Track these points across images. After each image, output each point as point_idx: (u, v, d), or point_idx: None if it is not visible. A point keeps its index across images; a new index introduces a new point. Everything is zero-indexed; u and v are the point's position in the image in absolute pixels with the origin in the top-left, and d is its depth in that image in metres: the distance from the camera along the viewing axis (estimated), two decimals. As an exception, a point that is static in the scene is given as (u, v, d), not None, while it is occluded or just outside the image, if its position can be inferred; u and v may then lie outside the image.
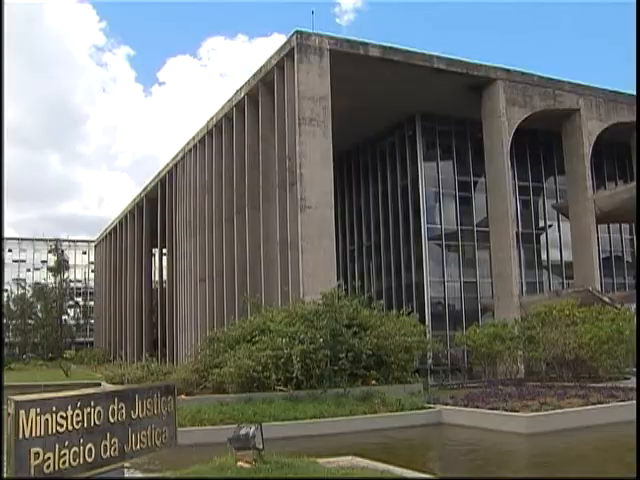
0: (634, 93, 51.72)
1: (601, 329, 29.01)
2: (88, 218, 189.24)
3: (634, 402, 19.63)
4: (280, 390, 22.70)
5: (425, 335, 30.56)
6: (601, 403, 19.34)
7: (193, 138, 57.52)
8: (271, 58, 42.43)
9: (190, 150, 57.87)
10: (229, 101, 49.25)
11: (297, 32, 39.28)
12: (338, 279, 34.45)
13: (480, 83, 45.56)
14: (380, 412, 19.91)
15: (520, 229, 50.66)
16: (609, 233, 58.79)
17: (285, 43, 40.84)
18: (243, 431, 11.08)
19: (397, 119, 50.81)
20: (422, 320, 37.50)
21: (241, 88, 47.03)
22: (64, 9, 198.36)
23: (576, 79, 49.98)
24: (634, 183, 49.98)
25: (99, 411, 7.03)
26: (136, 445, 7.60)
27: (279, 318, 26.18)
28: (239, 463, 10.84)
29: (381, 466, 11.54)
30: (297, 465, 10.98)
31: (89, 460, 6.83)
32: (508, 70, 46.02)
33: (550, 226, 55.63)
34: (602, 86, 50.56)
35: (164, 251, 71.25)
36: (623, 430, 17.65)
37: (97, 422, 6.99)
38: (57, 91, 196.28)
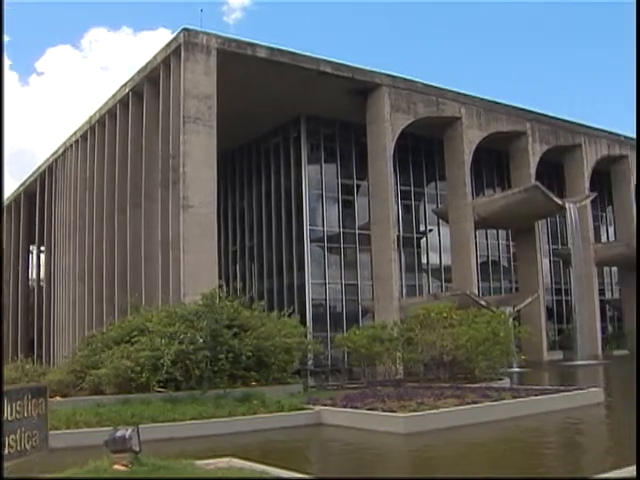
0: (513, 104, 53.66)
1: (477, 331, 29.65)
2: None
3: (506, 402, 20.25)
4: (158, 391, 22.41)
5: (306, 336, 30.67)
6: (475, 403, 19.78)
7: (75, 133, 56.23)
8: (157, 54, 41.97)
9: (72, 145, 56.53)
10: (113, 96, 48.38)
11: (184, 30, 38.96)
12: (220, 280, 34.28)
13: (365, 88, 46.20)
14: (260, 413, 19.87)
15: (401, 233, 51.60)
16: (487, 239, 60.55)
17: (172, 40, 40.45)
18: (119, 433, 10.89)
19: (282, 120, 51.01)
20: (303, 322, 37.69)
21: (126, 84, 46.29)
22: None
23: (459, 88, 51.42)
24: (511, 190, 51.73)
25: (-35, 414, 6.78)
26: (4, 449, 7.37)
27: (157, 318, 25.84)
28: (115, 466, 10.66)
29: (258, 467, 11.55)
30: (174, 467, 10.86)
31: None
32: (393, 76, 46.83)
33: (430, 230, 56.90)
34: (483, 95, 52.19)
35: (42, 248, 69.33)
36: (493, 429, 18.25)
37: (-38, 426, 6.74)
38: None
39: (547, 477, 12.56)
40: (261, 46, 41.25)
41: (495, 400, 20.39)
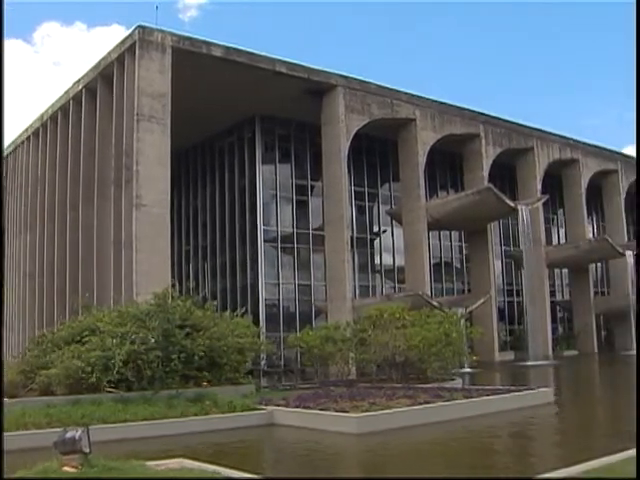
0: (467, 106, 54.13)
1: (429, 332, 29.80)
2: None
3: (458, 402, 20.40)
4: (109, 392, 22.19)
5: (259, 336, 30.62)
6: (427, 403, 19.88)
7: (26, 129, 55.50)
8: (111, 51, 41.58)
9: (23, 142, 55.83)
10: (66, 93, 47.85)
11: (139, 27, 38.66)
12: (173, 279, 34.09)
13: (321, 89, 46.26)
14: (212, 414, 19.79)
15: (355, 234, 51.70)
16: (440, 240, 60.96)
17: (126, 37, 40.13)
18: (69, 434, 10.78)
19: (237, 120, 50.86)
20: (256, 322, 37.63)
21: (79, 80, 45.80)
22: None
23: (413, 90, 51.70)
24: (464, 192, 52.18)
25: None
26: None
27: (109, 318, 25.60)
28: (64, 468, 10.54)
29: (209, 467, 11.54)
30: (125, 468, 10.79)
31: None
32: (347, 77, 46.96)
33: (384, 231, 57.11)
34: (437, 98, 52.59)
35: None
36: (445, 429, 18.36)
37: None
38: None
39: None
40: (217, 45, 41.09)
41: (447, 400, 20.53)
